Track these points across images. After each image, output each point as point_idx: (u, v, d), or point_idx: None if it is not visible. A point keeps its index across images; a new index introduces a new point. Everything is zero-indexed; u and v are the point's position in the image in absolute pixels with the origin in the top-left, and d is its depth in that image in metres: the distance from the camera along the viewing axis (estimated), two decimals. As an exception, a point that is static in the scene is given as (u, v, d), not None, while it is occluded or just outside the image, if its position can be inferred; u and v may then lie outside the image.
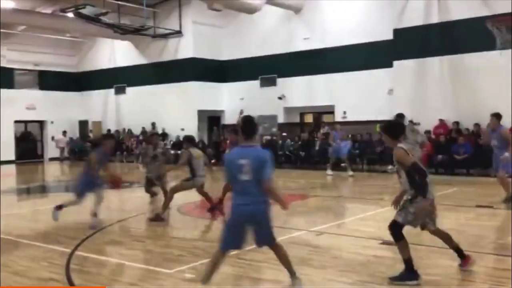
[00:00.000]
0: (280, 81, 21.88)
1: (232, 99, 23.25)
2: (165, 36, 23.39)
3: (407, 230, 5.32)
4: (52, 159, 26.44)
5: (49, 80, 26.63)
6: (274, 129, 21.66)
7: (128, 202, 12.17)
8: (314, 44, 20.58)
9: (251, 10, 20.05)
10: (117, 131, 25.94)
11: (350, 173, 15.64)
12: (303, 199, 11.37)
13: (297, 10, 21.10)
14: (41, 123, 26.96)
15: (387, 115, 18.49)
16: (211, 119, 24.02)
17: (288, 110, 22.02)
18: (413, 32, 17.45)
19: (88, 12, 20.36)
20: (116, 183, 8.86)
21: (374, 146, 17.76)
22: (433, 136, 16.36)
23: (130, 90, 25.60)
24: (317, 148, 19.28)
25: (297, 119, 22.47)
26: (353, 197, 12.35)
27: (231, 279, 5.61)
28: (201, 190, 8.99)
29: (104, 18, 21.38)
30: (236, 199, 4.70)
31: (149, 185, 9.83)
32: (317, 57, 20.40)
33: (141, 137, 24.18)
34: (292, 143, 20.18)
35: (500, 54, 14.69)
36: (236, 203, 4.70)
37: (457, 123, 16.50)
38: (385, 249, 6.35)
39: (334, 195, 12.35)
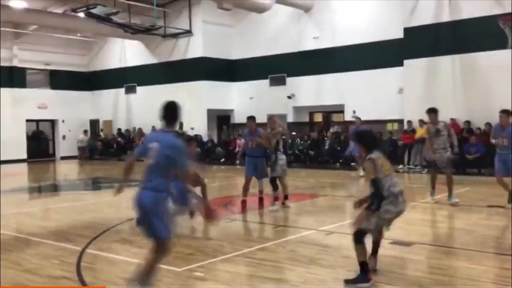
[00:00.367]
0: (289, 80, 21.85)
1: (242, 99, 23.28)
2: (175, 35, 23.47)
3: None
4: (63, 157, 26.64)
5: (60, 80, 26.83)
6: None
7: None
8: (324, 43, 20.54)
9: (260, 9, 20.06)
10: (127, 130, 26.10)
11: (361, 173, 15.58)
12: (313, 198, 11.37)
13: (307, 9, 21.06)
14: (53, 122, 27.17)
15: (397, 115, 18.50)
16: (220, 118, 24.07)
17: (297, 109, 21.99)
18: (423, 31, 17.35)
19: (99, 12, 20.48)
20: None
21: (384, 146, 17.68)
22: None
23: (140, 89, 25.71)
24: (326, 147, 19.27)
25: (306, 119, 22.45)
26: (362, 197, 12.28)
27: (241, 279, 5.63)
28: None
29: (115, 18, 21.49)
30: (140, 183, 4.52)
31: None
32: (327, 56, 20.34)
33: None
34: (302, 142, 20.17)
35: (512, 53, 14.57)
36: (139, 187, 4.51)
37: (468, 122, 16.39)
38: (395, 249, 6.33)
39: (344, 194, 12.33)
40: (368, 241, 5.29)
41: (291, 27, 21.60)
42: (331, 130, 20.18)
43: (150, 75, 24.90)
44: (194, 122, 22.65)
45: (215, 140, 23.29)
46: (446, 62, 17.03)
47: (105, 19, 21.18)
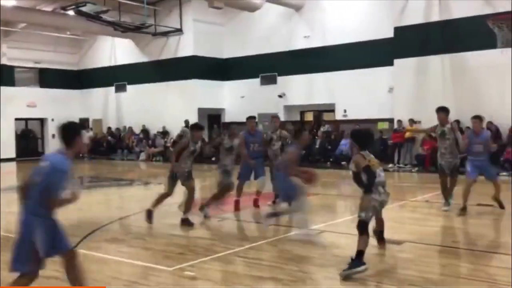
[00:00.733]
0: (280, 79, 21.86)
1: (233, 97, 23.26)
2: (165, 34, 23.39)
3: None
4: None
5: (50, 78, 26.62)
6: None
7: (129, 200, 12.17)
8: (315, 42, 20.57)
9: (252, 8, 20.06)
10: (117, 129, 25.98)
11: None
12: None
13: (297, 8, 21.07)
14: (42, 121, 26.96)
15: (388, 114, 18.58)
16: (211, 118, 24.03)
17: (288, 108, 22.01)
18: (413, 30, 17.44)
19: (89, 10, 20.35)
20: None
21: (374, 145, 17.75)
22: (433, 134, 16.33)
23: (130, 88, 25.59)
24: (317, 146, 19.30)
25: (297, 117, 22.47)
26: (353, 195, 12.31)
27: (232, 277, 5.62)
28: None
29: (105, 16, 21.37)
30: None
31: (228, 176, 9.00)
32: (318, 55, 20.37)
33: (141, 135, 24.22)
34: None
35: (501, 52, 14.68)
36: None
37: (457, 121, 16.47)
38: (386, 247, 6.35)
39: (335, 193, 12.36)
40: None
41: (282, 26, 21.61)
42: (322, 129, 20.23)
43: (141, 73, 24.79)
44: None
45: (206, 139, 23.21)
46: (436, 62, 17.13)
47: (95, 17, 21.06)
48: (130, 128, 25.17)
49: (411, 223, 8.22)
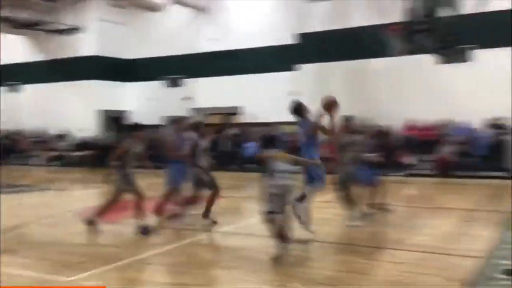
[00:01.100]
0: (187, 81, 21.67)
1: (137, 100, 22.69)
2: (65, 32, 22.25)
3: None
4: None
5: None
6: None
7: (25, 207, 11.36)
8: (222, 45, 20.64)
9: (156, 8, 19.70)
10: (11, 132, 24.24)
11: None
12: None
13: (203, 10, 21.04)
14: None
15: (292, 117, 19.05)
16: (113, 120, 23.15)
17: (195, 112, 21.87)
18: (315, 36, 18.13)
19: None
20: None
21: (283, 146, 18.11)
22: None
23: (25, 88, 24.03)
24: (225, 149, 19.32)
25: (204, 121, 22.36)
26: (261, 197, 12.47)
27: (137, 285, 5.42)
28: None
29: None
30: None
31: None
32: (225, 58, 20.48)
33: (38, 138, 22.82)
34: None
35: (397, 60, 15.63)
36: None
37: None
38: (292, 248, 6.46)
39: (242, 195, 12.42)
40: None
41: (188, 27, 21.45)
42: (229, 132, 20.30)
43: (37, 73, 23.36)
44: (85, 123, 21.66)
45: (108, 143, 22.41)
46: (336, 68, 17.92)
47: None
48: (26, 131, 23.60)
49: (317, 223, 8.45)
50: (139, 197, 7.59)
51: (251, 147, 16.69)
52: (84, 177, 17.39)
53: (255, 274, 5.50)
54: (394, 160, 15.65)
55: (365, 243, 7.09)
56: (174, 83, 21.94)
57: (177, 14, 21.21)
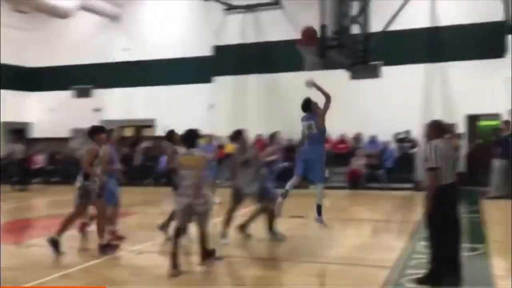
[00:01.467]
0: (97, 92, 20.80)
1: (42, 110, 21.40)
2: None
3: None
4: None
5: None
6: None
7: None
8: (134, 55, 20.06)
9: (62, 14, 18.64)
10: None
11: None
12: (123, 217, 10.73)
13: (115, 18, 20.35)
14: None
15: (208, 130, 18.86)
16: (14, 133, 21.47)
17: (106, 124, 20.88)
18: (231, 49, 18.14)
19: None
20: None
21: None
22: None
23: None
24: (137, 163, 18.72)
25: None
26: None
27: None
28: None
29: None
30: None
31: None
32: (138, 69, 19.93)
33: None
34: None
35: (310, 74, 15.93)
36: None
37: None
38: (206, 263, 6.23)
39: (155, 211, 11.97)
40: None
41: (99, 36, 20.61)
42: (142, 145, 19.69)
43: None
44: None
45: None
46: (253, 81, 18.02)
47: None
48: None
49: (233, 238, 8.26)
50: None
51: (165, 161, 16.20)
52: None
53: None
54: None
55: (281, 257, 7.01)
56: (83, 94, 20.96)
57: (86, 22, 20.33)
